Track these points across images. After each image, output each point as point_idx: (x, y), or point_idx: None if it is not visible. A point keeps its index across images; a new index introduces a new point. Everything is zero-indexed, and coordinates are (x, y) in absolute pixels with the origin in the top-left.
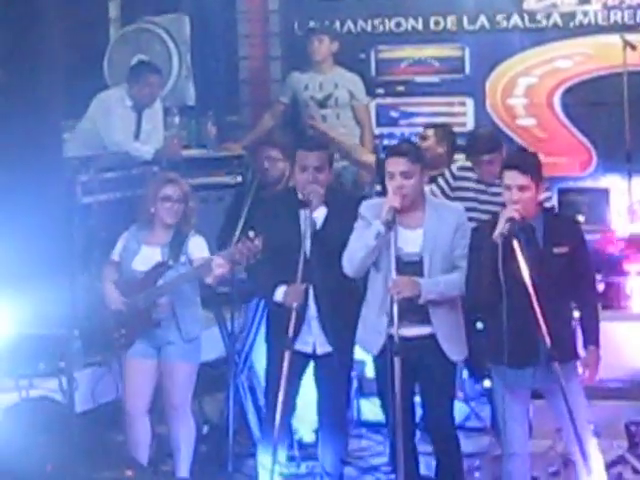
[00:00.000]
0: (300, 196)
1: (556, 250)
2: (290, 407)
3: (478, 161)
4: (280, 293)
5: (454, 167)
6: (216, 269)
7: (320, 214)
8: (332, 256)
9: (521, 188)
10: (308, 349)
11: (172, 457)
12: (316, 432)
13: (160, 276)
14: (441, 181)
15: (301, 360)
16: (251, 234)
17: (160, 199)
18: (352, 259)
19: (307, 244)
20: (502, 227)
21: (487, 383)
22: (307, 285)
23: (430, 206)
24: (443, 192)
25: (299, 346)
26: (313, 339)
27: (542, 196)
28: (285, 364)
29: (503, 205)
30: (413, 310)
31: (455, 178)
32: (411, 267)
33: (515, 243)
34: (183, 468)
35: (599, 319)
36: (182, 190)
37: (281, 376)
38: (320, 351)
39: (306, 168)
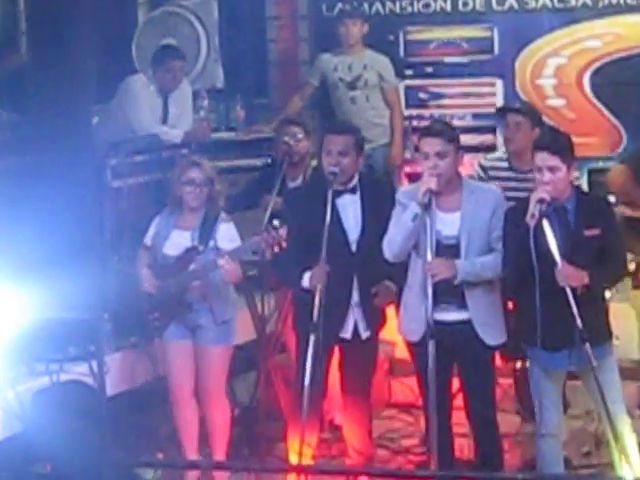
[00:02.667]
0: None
1: (587, 232)
2: (319, 390)
3: (506, 124)
4: (306, 279)
5: (482, 159)
6: (222, 271)
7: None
8: (368, 243)
9: (551, 169)
10: (347, 335)
11: (205, 440)
12: None
13: (191, 261)
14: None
15: (333, 345)
16: (276, 223)
17: (184, 183)
18: (391, 243)
19: (355, 233)
20: (533, 208)
21: (518, 364)
22: (329, 267)
23: (468, 189)
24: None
25: (341, 333)
26: (354, 325)
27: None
28: (310, 348)
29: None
30: (450, 293)
31: (485, 169)
32: (449, 250)
33: (546, 224)
34: (220, 451)
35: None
36: (206, 173)
37: (309, 360)
38: (364, 336)
39: (330, 152)
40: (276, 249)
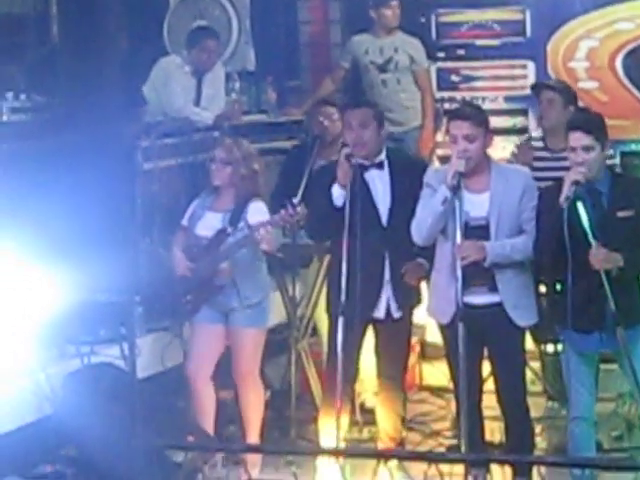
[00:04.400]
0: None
1: (621, 214)
2: (351, 372)
3: (539, 101)
4: (336, 187)
5: (518, 140)
6: (261, 242)
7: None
8: (399, 218)
9: (586, 149)
10: (380, 315)
11: (234, 423)
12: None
13: (221, 243)
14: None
15: (365, 326)
16: (295, 201)
17: (210, 161)
18: (420, 227)
19: (385, 207)
20: (567, 190)
21: (550, 347)
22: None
23: (496, 170)
24: None
25: (374, 313)
26: (386, 303)
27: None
28: (340, 330)
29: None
30: (480, 276)
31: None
32: (478, 231)
33: (580, 206)
34: (253, 434)
35: None
36: (228, 153)
37: (339, 342)
38: (396, 316)
39: (351, 126)
40: (295, 227)
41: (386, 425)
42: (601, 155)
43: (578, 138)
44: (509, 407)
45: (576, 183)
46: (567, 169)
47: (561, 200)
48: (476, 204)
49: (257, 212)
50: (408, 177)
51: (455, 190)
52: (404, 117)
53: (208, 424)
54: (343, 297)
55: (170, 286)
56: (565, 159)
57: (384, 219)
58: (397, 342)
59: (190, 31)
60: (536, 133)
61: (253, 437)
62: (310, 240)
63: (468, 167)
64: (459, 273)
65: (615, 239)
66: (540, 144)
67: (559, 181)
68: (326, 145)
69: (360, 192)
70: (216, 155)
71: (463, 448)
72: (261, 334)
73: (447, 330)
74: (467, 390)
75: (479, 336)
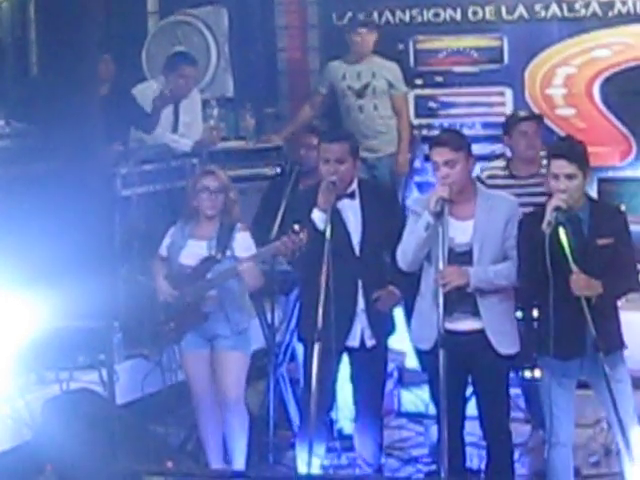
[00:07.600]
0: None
1: (600, 242)
2: (327, 400)
3: (514, 133)
4: (316, 212)
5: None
6: (244, 277)
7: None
8: (370, 247)
9: (569, 177)
10: (355, 343)
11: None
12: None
13: (208, 270)
14: None
15: (339, 354)
16: (297, 227)
17: (198, 190)
18: (405, 253)
19: (357, 237)
20: (549, 216)
21: (528, 373)
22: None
23: (482, 196)
24: None
25: (348, 341)
26: (360, 332)
27: None
28: (315, 357)
29: (539, 196)
30: (463, 302)
31: (486, 177)
32: (462, 257)
33: (562, 232)
34: (239, 460)
35: None
36: (220, 181)
37: (314, 369)
38: (369, 344)
39: (327, 160)
40: (297, 253)
41: (363, 451)
42: (583, 183)
43: (561, 166)
44: (492, 433)
45: (558, 209)
46: (533, 195)
47: (543, 226)
48: (461, 230)
49: (244, 243)
50: (379, 206)
51: (438, 216)
52: (378, 143)
53: (216, 449)
54: (320, 323)
55: (151, 313)
56: (531, 185)
57: (357, 249)
58: (372, 370)
59: (168, 56)
60: (499, 161)
61: (239, 463)
62: (290, 267)
63: (452, 193)
64: (441, 299)
65: (594, 266)
66: (505, 172)
67: (540, 208)
68: (305, 173)
69: (333, 221)
70: (205, 184)
71: (443, 474)
72: (246, 359)
73: (430, 356)
74: (449, 416)
75: (462, 363)
